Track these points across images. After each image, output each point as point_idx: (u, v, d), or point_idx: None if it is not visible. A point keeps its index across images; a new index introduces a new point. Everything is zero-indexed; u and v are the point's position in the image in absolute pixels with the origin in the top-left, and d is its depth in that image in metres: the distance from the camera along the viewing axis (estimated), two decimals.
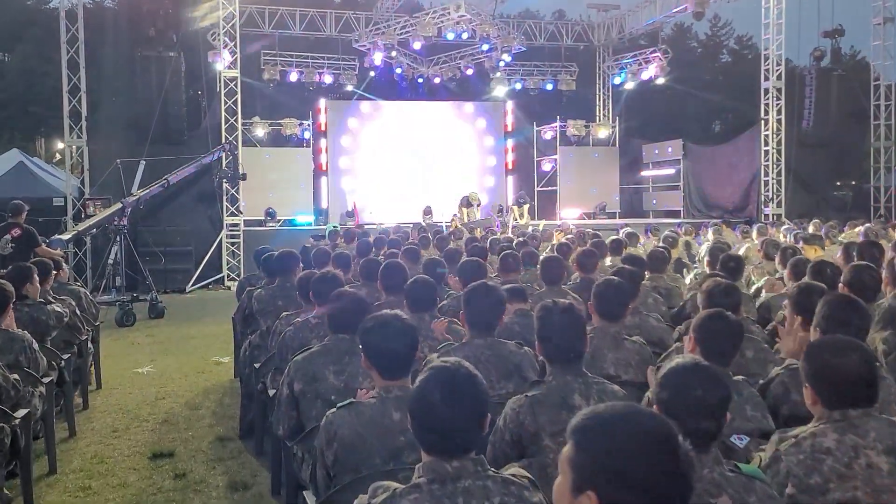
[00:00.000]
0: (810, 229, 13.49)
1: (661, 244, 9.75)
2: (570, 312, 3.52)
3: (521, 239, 10.67)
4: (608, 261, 8.54)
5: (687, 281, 8.24)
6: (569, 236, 11.46)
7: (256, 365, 6.05)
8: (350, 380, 3.94)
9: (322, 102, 23.92)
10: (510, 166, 25.60)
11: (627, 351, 4.41)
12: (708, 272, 7.56)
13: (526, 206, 21.52)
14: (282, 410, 4.06)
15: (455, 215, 20.61)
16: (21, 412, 4.87)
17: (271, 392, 5.14)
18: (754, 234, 12.96)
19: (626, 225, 16.67)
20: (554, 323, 3.43)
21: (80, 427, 6.89)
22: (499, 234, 15.03)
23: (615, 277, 4.82)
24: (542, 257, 6.89)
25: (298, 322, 5.25)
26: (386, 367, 3.15)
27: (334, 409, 3.14)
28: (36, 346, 5.58)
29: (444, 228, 16.43)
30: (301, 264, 7.01)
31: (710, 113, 32.80)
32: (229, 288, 18.00)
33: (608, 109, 27.07)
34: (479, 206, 21.16)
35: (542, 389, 3.32)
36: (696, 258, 10.62)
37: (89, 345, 7.78)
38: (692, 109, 30.58)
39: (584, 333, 3.51)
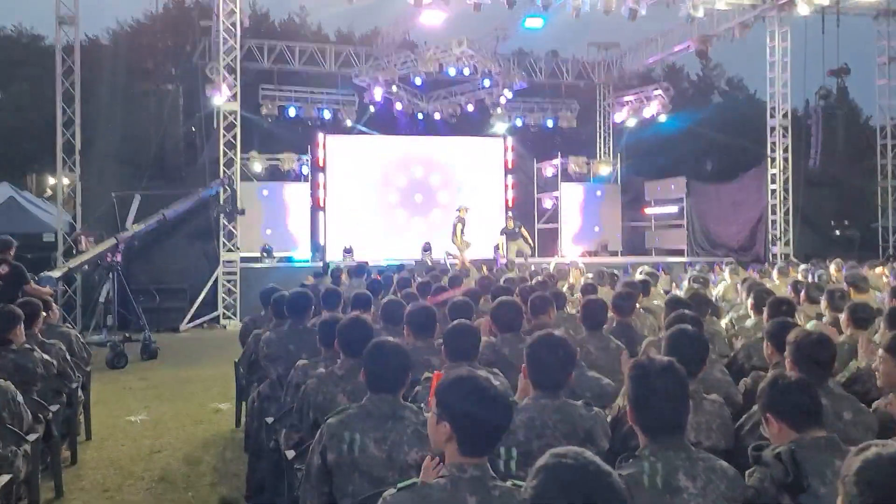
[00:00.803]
0: (832, 269, 13.02)
1: (691, 284, 9.18)
2: (673, 373, 2.92)
3: (540, 279, 10.07)
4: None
5: (723, 324, 7.67)
6: (589, 275, 10.85)
7: (268, 420, 5.42)
8: (394, 450, 3.38)
9: (321, 137, 23.67)
10: (510, 203, 25.19)
11: (708, 413, 3.84)
12: (753, 316, 7.03)
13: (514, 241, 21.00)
14: (311, 484, 3.44)
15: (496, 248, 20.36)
16: (1, 479, 4.17)
17: (289, 454, 4.50)
18: (775, 275, 12.42)
19: (637, 265, 16.14)
20: (653, 386, 2.86)
21: (68, 486, 6.25)
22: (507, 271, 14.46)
23: (688, 326, 4.20)
24: (583, 300, 6.26)
25: (322, 373, 4.64)
26: (471, 441, 2.57)
27: (393, 491, 2.57)
28: (20, 398, 4.95)
29: (449, 265, 15.84)
30: (313, 306, 6.48)
31: (711, 151, 32.46)
32: (225, 327, 17.64)
33: (609, 146, 26.98)
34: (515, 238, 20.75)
35: (639, 467, 2.78)
36: (715, 298, 10.18)
37: (79, 392, 7.11)
38: (693, 147, 30.31)
39: (688, 398, 2.94)
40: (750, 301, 7.17)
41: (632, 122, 25.92)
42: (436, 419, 2.61)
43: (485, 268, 14.23)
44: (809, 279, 11.48)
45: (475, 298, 7.70)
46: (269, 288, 7.88)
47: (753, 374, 4.84)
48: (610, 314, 6.37)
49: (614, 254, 24.70)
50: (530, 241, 21.14)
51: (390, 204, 24.21)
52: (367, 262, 13.76)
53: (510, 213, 22.34)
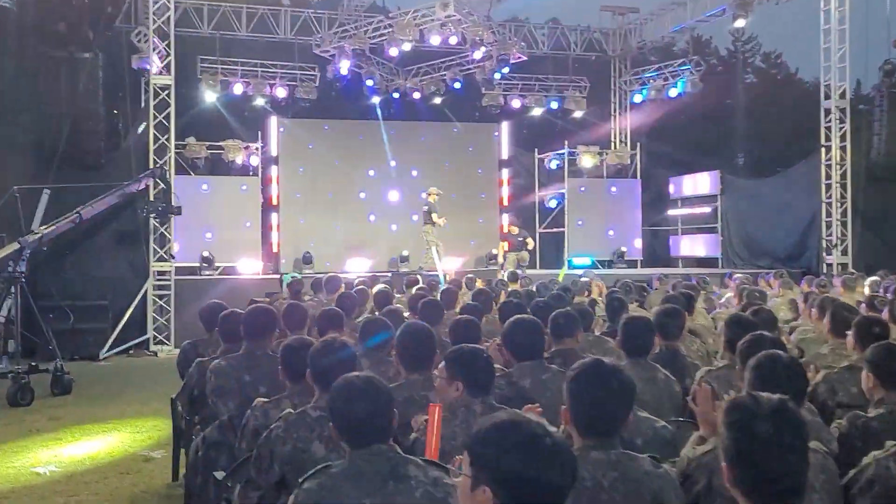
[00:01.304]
0: None
1: (743, 300, 9.01)
2: (787, 417, 2.66)
3: (554, 293, 9.84)
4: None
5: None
6: (613, 289, 10.67)
7: (217, 474, 5.21)
8: None
9: (273, 121, 23.70)
10: (505, 202, 25.41)
11: (812, 467, 3.52)
12: (830, 340, 6.78)
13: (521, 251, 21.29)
14: None
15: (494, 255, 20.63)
16: None
17: None
18: (839, 289, 12.29)
19: (665, 279, 15.99)
20: (763, 436, 2.58)
21: None
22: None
23: (780, 352, 3.98)
24: (624, 318, 6.06)
25: (290, 415, 4.38)
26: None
27: None
28: None
29: (442, 280, 15.72)
30: (277, 328, 6.33)
31: (749, 140, 32.46)
32: (156, 354, 17.62)
33: (626, 134, 26.94)
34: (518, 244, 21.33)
35: None
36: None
37: None
38: (728, 135, 30.34)
39: (808, 450, 2.67)
40: (826, 322, 6.89)
41: (653, 105, 25.94)
42: (470, 483, 2.32)
43: (480, 281, 13.98)
44: (881, 294, 11.32)
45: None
46: (213, 304, 7.80)
47: (850, 415, 4.57)
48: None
49: (632, 264, 24.72)
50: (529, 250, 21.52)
51: (359, 203, 24.24)
52: (337, 275, 13.61)
53: (514, 219, 22.49)
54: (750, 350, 4.43)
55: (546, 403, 4.56)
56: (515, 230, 21.47)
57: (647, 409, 4.67)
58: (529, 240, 21.40)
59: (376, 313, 8.73)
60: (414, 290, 11.59)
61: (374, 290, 11.17)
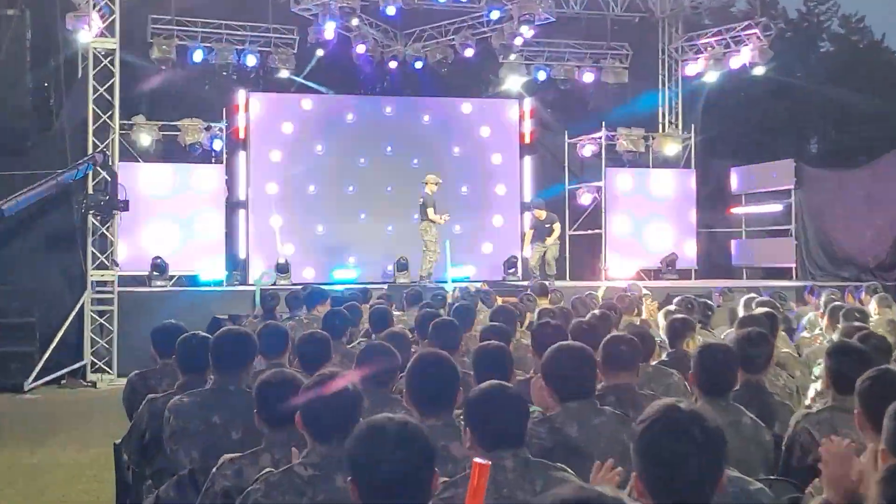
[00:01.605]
0: None
1: (839, 322, 9.04)
2: None
3: (597, 312, 9.63)
4: None
5: None
6: (672, 307, 10.57)
7: None
8: None
9: (242, 96, 23.74)
10: (528, 197, 25.24)
11: None
12: None
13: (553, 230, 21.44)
14: None
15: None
16: None
17: None
18: None
19: (731, 293, 15.83)
20: None
21: None
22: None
23: None
24: (698, 348, 5.96)
25: (271, 475, 4.27)
26: None
27: None
28: None
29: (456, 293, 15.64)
30: (255, 356, 6.34)
31: (828, 122, 32.26)
32: (95, 384, 17.51)
33: (678, 114, 26.76)
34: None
35: None
36: None
37: None
38: (804, 117, 30.17)
39: None
40: None
41: (712, 78, 25.85)
42: None
43: (500, 298, 13.84)
44: None
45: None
46: (170, 325, 7.70)
47: None
48: None
49: (685, 274, 24.55)
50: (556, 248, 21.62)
51: (347, 199, 24.26)
52: (321, 288, 13.59)
53: (540, 202, 22.23)
54: (877, 390, 4.27)
55: (599, 455, 4.50)
56: (542, 214, 21.34)
57: (730, 463, 4.22)
58: (557, 226, 21.35)
59: (373, 336, 8.74)
60: (419, 306, 11.39)
61: (369, 306, 11.08)
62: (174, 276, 21.27)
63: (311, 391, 4.39)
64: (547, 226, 21.29)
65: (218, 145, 22.94)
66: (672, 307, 10.95)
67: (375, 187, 24.33)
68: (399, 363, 6.06)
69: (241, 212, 23.53)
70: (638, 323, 10.59)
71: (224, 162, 22.94)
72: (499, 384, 4.42)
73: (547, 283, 17.78)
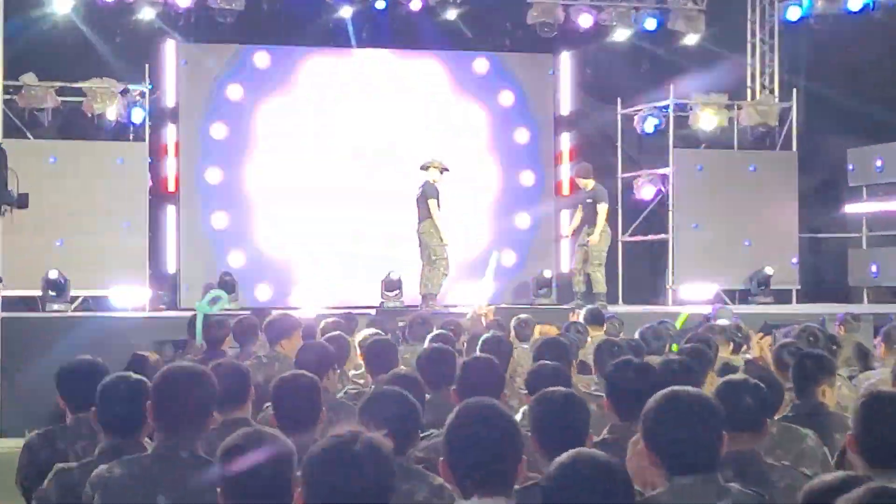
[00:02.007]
0: None
1: None
2: None
3: (692, 346, 9.45)
4: None
5: None
6: (788, 341, 10.53)
7: None
8: None
9: (171, 48, 23.83)
10: (566, 189, 25.38)
11: None
12: None
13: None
14: None
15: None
16: None
17: None
18: None
19: (855, 317, 15.86)
20: None
21: None
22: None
23: None
24: (861, 406, 5.69)
25: None
26: None
27: None
28: None
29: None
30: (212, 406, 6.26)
31: None
32: None
33: (773, 75, 26.71)
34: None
35: None
36: None
37: None
38: None
39: None
40: None
41: (821, 27, 25.66)
42: None
43: (541, 327, 13.55)
44: None
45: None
46: (83, 365, 7.61)
47: None
48: None
49: (783, 297, 24.60)
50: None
51: (315, 192, 24.33)
52: (289, 315, 13.51)
53: (584, 166, 22.38)
54: None
55: None
56: (590, 183, 21.28)
57: None
58: (603, 208, 21.03)
59: (370, 381, 9.02)
60: (428, 339, 11.12)
61: (360, 339, 11.19)
62: (77, 297, 21.42)
63: (326, 470, 4.18)
64: (589, 201, 21.01)
65: (138, 116, 22.97)
66: (789, 342, 10.79)
67: (356, 174, 24.33)
68: (420, 417, 6.21)
69: (170, 208, 23.57)
70: (744, 361, 10.92)
71: (147, 139, 23.02)
72: (589, 455, 4.48)
73: (600, 307, 17.53)
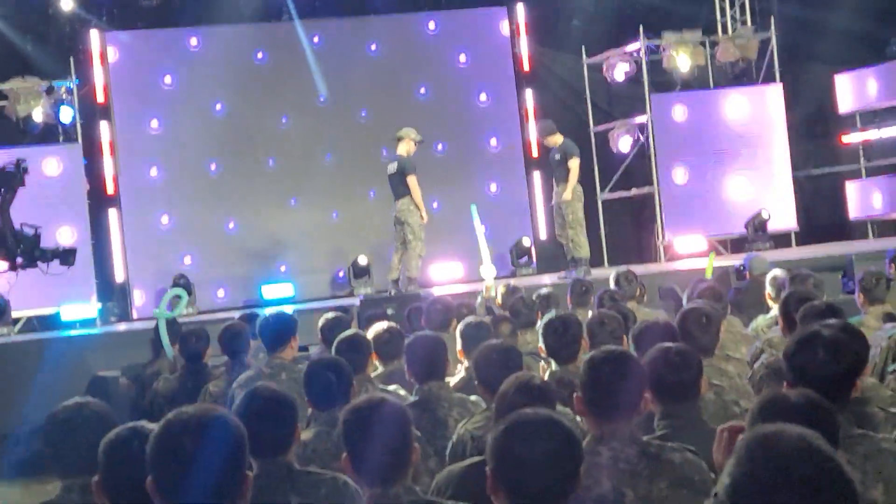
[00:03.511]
0: None
1: None
2: None
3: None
4: None
5: None
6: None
7: None
8: None
9: (95, 38, 22.89)
10: (535, 151, 24.71)
11: None
12: None
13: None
14: None
15: None
16: None
17: None
18: None
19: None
20: None
21: None
22: None
23: None
24: None
25: None
26: None
27: None
28: None
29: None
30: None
31: None
32: None
33: (744, 4, 26.12)
34: None
35: None
36: None
37: None
38: None
39: None
40: None
41: None
42: None
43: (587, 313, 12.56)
44: None
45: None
46: (85, 412, 6.25)
47: None
48: None
49: (782, 241, 24.26)
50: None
51: (266, 176, 24.07)
52: (284, 314, 12.35)
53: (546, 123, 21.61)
54: None
55: None
56: (559, 139, 20.20)
57: None
58: (574, 164, 19.87)
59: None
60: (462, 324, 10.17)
61: (372, 334, 10.23)
62: (20, 318, 20.94)
63: None
64: (557, 157, 20.02)
65: (67, 115, 22.39)
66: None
67: (308, 157, 24.04)
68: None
69: (112, 212, 22.87)
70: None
71: (79, 139, 22.59)
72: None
73: (582, 277, 16.77)
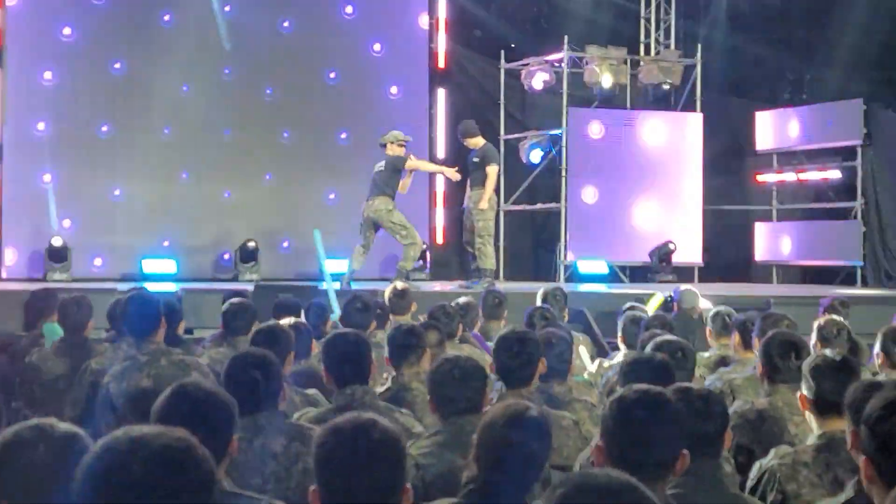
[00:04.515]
0: None
1: None
2: None
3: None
4: None
5: None
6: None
7: None
8: None
9: None
10: (440, 152, 24.53)
11: None
12: None
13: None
14: None
15: None
16: None
17: None
18: None
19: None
20: None
21: None
22: None
23: None
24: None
25: None
26: None
27: None
28: None
29: None
30: None
31: None
32: None
33: (671, 25, 26.11)
34: None
35: None
36: None
37: None
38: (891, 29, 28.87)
39: None
40: None
41: None
42: None
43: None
44: None
45: None
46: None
47: None
48: None
49: (685, 275, 23.98)
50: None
51: (159, 145, 22.99)
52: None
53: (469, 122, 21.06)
54: None
55: None
56: (479, 141, 19.69)
57: None
58: (493, 170, 19.36)
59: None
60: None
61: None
62: None
63: None
64: (476, 160, 19.52)
65: None
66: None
67: (206, 130, 23.34)
68: None
69: None
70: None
71: None
72: None
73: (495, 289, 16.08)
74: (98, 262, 21.92)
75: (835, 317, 10.68)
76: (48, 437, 4.07)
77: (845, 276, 23.87)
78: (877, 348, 9.23)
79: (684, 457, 4.51)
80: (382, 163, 19.13)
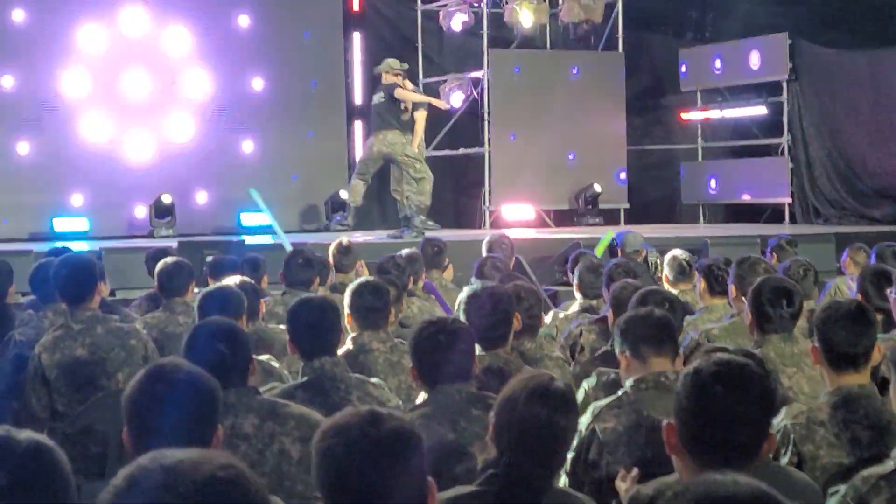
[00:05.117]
0: None
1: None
2: None
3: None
4: None
5: None
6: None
7: None
8: None
9: None
10: (358, 98, 24.96)
11: None
12: None
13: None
14: None
15: None
16: None
17: None
18: None
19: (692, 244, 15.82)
20: None
21: None
22: None
23: None
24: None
25: None
26: None
27: None
28: None
29: None
30: None
31: None
32: None
33: None
34: None
35: None
36: None
37: None
38: None
39: None
40: None
41: None
42: None
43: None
44: None
45: None
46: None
47: None
48: None
49: (610, 217, 24.36)
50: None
51: (64, 94, 22.68)
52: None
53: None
54: None
55: None
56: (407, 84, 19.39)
57: None
58: (421, 113, 19.26)
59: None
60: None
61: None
62: None
63: None
64: (402, 104, 19.25)
65: None
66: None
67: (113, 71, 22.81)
68: None
69: None
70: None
71: None
72: None
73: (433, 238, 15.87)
74: (3, 221, 21.43)
75: (799, 258, 10.77)
76: (8, 457, 3.06)
77: (771, 214, 24.07)
78: (855, 289, 9.17)
79: (772, 438, 4.22)
80: (381, 93, 18.84)
